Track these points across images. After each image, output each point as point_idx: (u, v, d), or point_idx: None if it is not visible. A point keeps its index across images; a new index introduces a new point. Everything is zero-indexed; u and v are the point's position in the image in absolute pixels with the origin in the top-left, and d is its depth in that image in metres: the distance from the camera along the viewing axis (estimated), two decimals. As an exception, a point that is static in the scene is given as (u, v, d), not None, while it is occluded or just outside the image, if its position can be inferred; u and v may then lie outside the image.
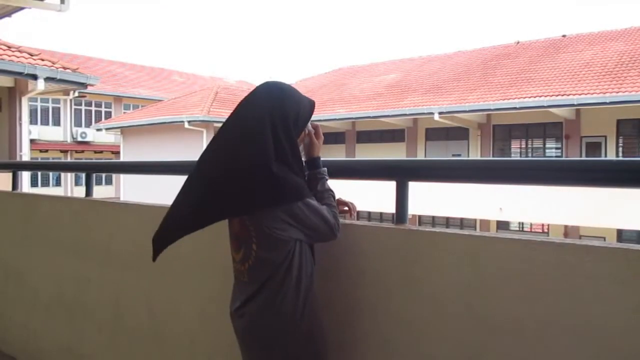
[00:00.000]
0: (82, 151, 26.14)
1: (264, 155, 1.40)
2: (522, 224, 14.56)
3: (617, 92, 11.44)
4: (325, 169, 1.63)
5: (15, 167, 4.26)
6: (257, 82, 1.64)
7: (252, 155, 1.42)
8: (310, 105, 1.56)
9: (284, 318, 1.46)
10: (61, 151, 25.71)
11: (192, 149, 15.36)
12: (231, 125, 1.51)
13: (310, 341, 1.51)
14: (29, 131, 10.09)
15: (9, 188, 3.88)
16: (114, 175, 23.52)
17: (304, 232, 1.46)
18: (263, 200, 1.42)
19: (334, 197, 1.61)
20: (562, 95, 12.20)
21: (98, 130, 21.22)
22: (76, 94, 11.32)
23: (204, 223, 1.50)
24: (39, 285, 3.28)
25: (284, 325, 1.46)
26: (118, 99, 26.78)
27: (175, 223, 1.53)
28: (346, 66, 22.25)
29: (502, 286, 1.40)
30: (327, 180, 1.62)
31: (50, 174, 24.64)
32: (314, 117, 1.61)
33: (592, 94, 11.84)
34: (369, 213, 14.02)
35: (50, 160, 23.99)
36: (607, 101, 11.49)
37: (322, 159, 1.63)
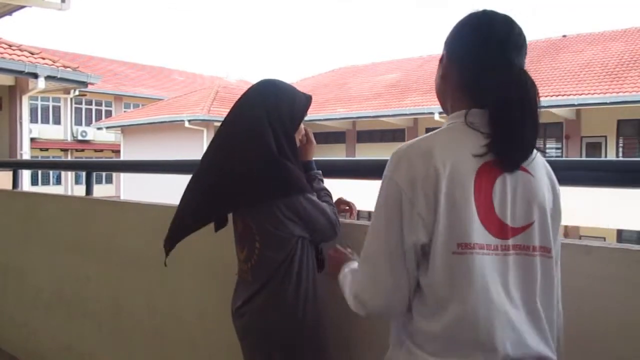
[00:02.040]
0: (83, 150, 26.15)
1: (266, 152, 1.42)
2: (522, 224, 14.53)
3: (618, 93, 11.44)
4: (320, 171, 1.64)
5: (16, 166, 4.27)
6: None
7: (255, 154, 1.43)
8: (306, 100, 1.57)
9: (285, 317, 1.45)
10: (61, 150, 25.70)
11: (192, 148, 15.35)
12: (230, 125, 1.52)
13: (312, 340, 1.50)
14: (29, 130, 10.08)
15: (10, 187, 3.89)
16: (114, 174, 23.52)
17: (306, 228, 1.46)
18: (266, 194, 1.42)
19: (330, 196, 1.61)
20: (563, 95, 12.19)
21: (98, 129, 21.20)
22: (77, 93, 11.33)
23: (206, 219, 1.53)
24: (39, 283, 3.28)
25: (285, 325, 1.46)
26: (118, 97, 26.77)
27: (182, 222, 1.55)
28: (346, 66, 22.22)
29: (502, 286, 1.40)
30: (322, 181, 1.63)
31: (51, 172, 24.64)
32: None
33: (592, 94, 11.84)
34: (369, 213, 14.00)
35: (51, 159, 24.00)
36: (608, 101, 11.49)
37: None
